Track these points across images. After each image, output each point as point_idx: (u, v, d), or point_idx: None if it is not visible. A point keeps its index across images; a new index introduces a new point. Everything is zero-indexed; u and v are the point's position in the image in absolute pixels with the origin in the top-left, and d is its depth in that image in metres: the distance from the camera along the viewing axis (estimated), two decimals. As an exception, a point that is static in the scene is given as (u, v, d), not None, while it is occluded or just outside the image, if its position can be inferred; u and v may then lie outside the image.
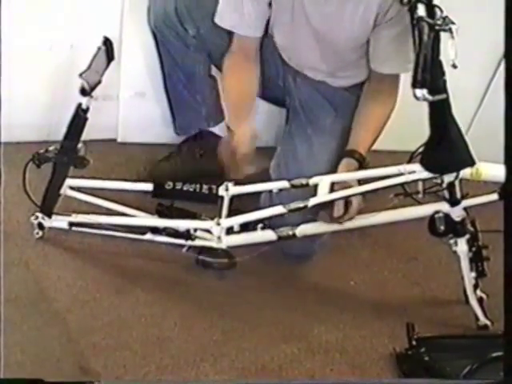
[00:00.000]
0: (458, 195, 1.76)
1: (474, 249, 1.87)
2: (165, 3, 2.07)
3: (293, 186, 1.87)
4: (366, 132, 2.00)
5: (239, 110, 2.09)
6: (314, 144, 2.07)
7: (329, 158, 2.01)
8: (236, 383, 1.82)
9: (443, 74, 1.57)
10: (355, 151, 1.95)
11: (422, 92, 1.55)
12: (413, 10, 1.55)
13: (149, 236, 1.98)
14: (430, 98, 1.56)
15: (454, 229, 1.81)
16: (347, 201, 1.87)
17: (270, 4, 1.93)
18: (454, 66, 1.49)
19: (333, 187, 1.85)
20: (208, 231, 1.94)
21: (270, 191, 1.95)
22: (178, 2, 2.04)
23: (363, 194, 1.84)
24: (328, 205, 1.87)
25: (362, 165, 1.94)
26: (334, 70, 2.07)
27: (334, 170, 1.95)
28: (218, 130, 2.34)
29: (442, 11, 1.54)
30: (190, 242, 1.96)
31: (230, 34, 2.00)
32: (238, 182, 1.96)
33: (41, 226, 2.01)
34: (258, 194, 2.01)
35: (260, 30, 1.99)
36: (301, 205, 1.82)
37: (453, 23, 1.50)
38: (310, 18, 1.91)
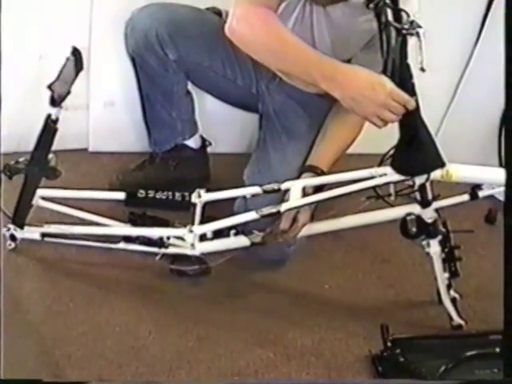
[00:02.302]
0: (430, 197, 1.77)
1: (446, 250, 1.88)
2: (145, 29, 2.05)
3: (265, 192, 1.86)
4: (330, 151, 2.02)
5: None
6: (288, 151, 2.08)
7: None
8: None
9: (411, 77, 1.58)
10: (317, 167, 1.96)
11: (390, 95, 1.57)
12: (380, 14, 1.56)
13: (122, 245, 1.98)
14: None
15: (426, 230, 1.81)
16: (295, 216, 1.89)
17: None
18: (423, 70, 1.50)
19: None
20: (181, 238, 1.94)
21: (244, 197, 1.95)
22: (159, 27, 2.03)
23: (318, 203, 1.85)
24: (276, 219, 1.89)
25: None
26: None
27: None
28: (191, 142, 2.35)
29: (408, 15, 1.55)
30: (163, 250, 1.96)
31: None
32: (210, 189, 1.96)
33: (13, 238, 1.99)
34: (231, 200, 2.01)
35: None
36: (273, 210, 1.83)
37: (420, 27, 1.52)
38: (314, 28, 1.91)
